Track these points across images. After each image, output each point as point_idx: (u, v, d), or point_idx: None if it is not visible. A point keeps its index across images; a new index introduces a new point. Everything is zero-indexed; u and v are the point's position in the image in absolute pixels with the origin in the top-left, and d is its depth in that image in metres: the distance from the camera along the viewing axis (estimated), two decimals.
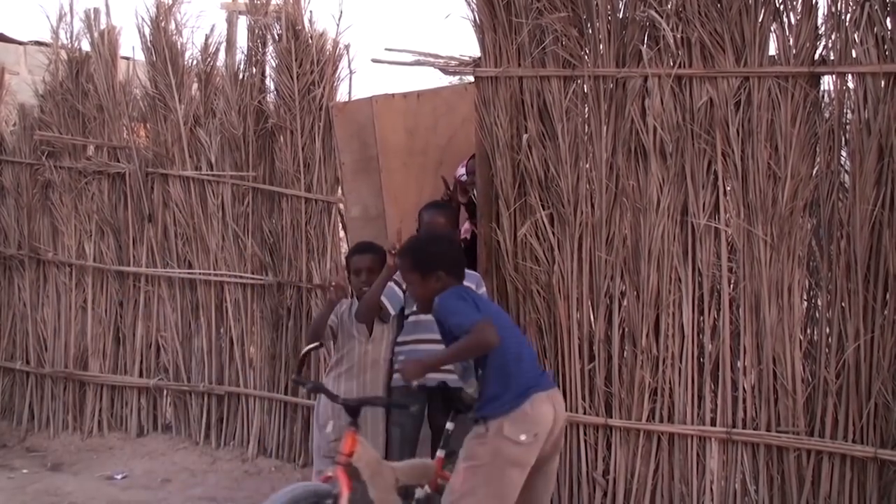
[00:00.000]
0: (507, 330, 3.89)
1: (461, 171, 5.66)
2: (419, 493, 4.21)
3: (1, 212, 7.38)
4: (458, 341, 3.72)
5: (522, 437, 3.65)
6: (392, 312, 4.87)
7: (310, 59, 6.21)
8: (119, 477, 6.34)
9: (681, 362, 4.85)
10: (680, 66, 4.75)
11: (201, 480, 6.25)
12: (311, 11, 6.32)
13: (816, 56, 4.58)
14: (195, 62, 6.76)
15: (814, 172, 4.60)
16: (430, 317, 4.71)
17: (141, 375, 6.94)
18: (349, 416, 4.09)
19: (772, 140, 4.61)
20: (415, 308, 4.82)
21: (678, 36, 4.72)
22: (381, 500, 4.01)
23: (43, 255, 7.21)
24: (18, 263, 7.33)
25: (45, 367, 7.20)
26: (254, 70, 6.50)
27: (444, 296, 3.90)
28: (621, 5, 4.89)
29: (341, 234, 6.33)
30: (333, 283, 5.13)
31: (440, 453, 4.31)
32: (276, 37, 6.36)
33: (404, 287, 4.84)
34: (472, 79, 5.29)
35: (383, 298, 4.78)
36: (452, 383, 4.40)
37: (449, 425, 4.30)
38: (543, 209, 5.06)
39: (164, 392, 6.94)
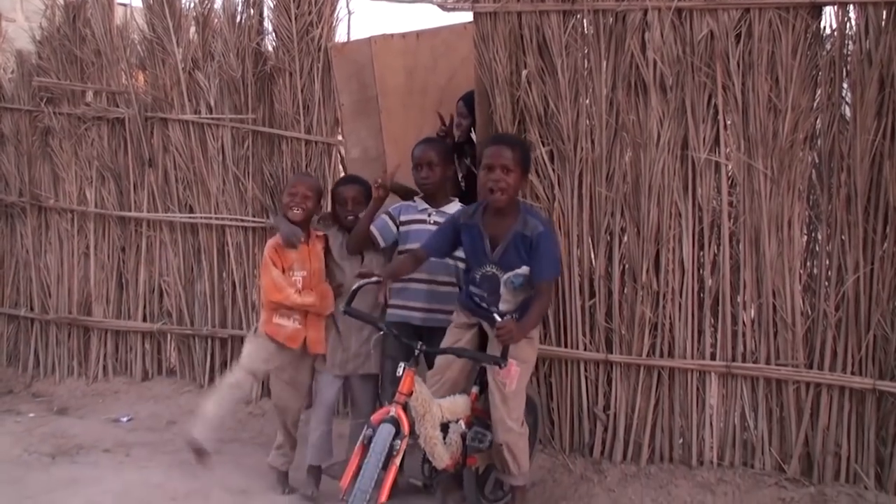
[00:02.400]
0: None
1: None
2: (453, 427, 4.38)
3: (1, 159, 7.36)
4: (542, 301, 4.24)
5: None
6: (383, 244, 4.88)
7: (308, 0, 6.16)
8: (125, 419, 6.40)
9: (681, 297, 4.86)
10: None
11: None
12: None
13: None
14: (192, 5, 6.67)
15: (814, 105, 4.59)
16: None
17: (144, 320, 6.96)
18: (416, 359, 4.22)
19: (772, 72, 4.59)
20: (407, 246, 4.85)
21: None
22: (427, 436, 4.18)
23: (44, 201, 7.21)
24: (20, 210, 7.33)
25: (50, 314, 7.23)
26: (251, 12, 6.44)
27: (550, 234, 4.29)
28: None
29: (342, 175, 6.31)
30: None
31: (474, 389, 4.52)
32: None
33: (398, 222, 4.87)
34: (470, 17, 5.25)
35: (374, 230, 4.84)
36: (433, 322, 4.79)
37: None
38: (543, 146, 5.04)
39: (168, 336, 6.98)
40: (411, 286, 4.84)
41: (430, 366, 4.82)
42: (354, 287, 4.40)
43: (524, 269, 4.23)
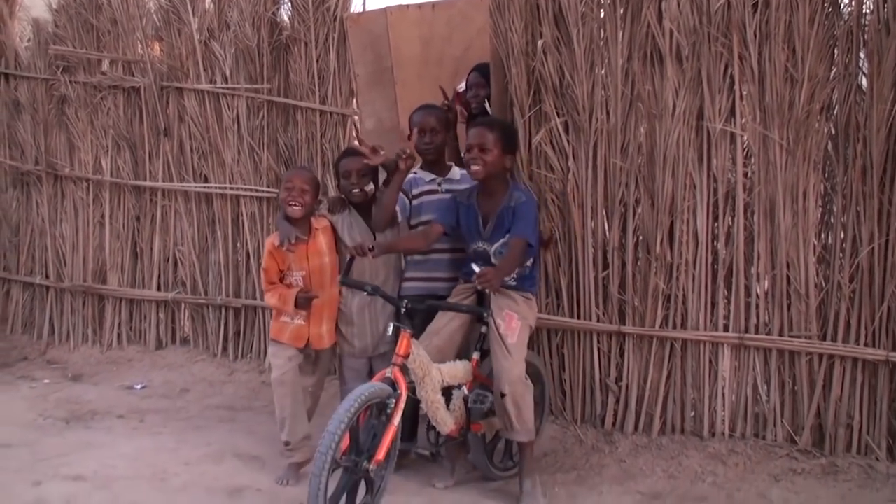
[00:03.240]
0: None
1: (462, 85, 5.65)
2: (456, 392, 4.44)
3: (18, 127, 7.42)
4: (511, 255, 4.37)
5: None
6: (401, 218, 4.85)
7: None
8: (139, 387, 6.45)
9: (694, 269, 4.85)
10: None
11: (219, 390, 6.36)
12: None
13: None
14: None
15: (831, 75, 4.56)
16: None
17: (159, 289, 7.01)
18: (407, 318, 4.28)
19: (789, 42, 4.55)
20: (422, 218, 4.86)
21: None
22: (428, 399, 4.23)
23: (60, 170, 7.25)
24: (36, 179, 7.39)
25: (65, 282, 7.29)
26: None
27: (531, 203, 4.55)
28: None
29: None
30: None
31: (475, 355, 4.55)
32: None
33: (410, 195, 4.86)
34: None
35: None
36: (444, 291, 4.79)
37: (483, 328, 4.54)
38: (558, 116, 5.03)
39: (182, 305, 7.02)
40: (433, 257, 4.85)
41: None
42: (349, 258, 4.43)
43: (508, 238, 4.45)
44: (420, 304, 4.47)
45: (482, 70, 5.52)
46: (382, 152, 4.71)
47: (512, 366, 4.33)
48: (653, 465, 4.77)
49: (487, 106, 5.50)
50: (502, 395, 4.31)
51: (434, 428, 4.41)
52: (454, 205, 4.66)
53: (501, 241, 4.46)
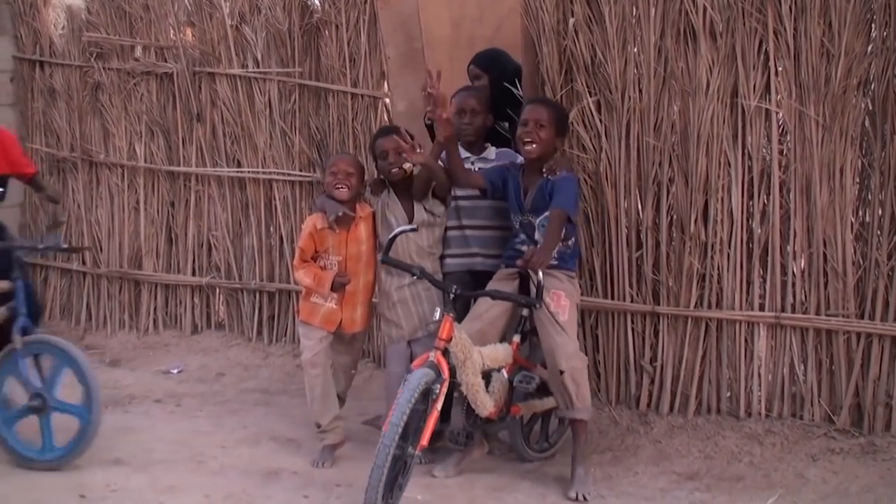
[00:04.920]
0: None
1: None
2: (495, 375, 4.40)
3: (53, 115, 7.46)
4: (552, 227, 4.36)
5: None
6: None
7: None
8: (175, 371, 6.50)
9: (729, 248, 4.81)
10: None
11: (255, 374, 6.40)
12: None
13: None
14: None
15: (868, 49, 4.48)
16: (471, 202, 4.81)
17: (194, 274, 7.05)
18: (451, 302, 4.22)
19: (825, 16, 4.48)
20: (456, 192, 4.85)
21: None
22: (469, 382, 4.19)
23: (95, 156, 7.29)
24: (71, 166, 7.43)
25: (101, 268, 7.34)
26: None
27: (571, 177, 4.53)
28: None
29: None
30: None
31: (516, 338, 4.51)
32: None
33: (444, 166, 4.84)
34: None
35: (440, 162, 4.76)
36: (494, 268, 4.76)
37: (524, 311, 4.50)
38: (590, 95, 5.00)
39: (217, 290, 7.05)
40: (468, 233, 4.88)
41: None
42: (391, 236, 4.41)
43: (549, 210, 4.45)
44: (470, 291, 4.47)
45: (478, 61, 5.38)
46: (420, 150, 4.61)
47: (567, 341, 4.34)
48: (688, 445, 4.75)
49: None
50: (561, 372, 4.29)
51: (472, 411, 4.38)
52: (504, 171, 4.67)
53: (545, 213, 4.46)
